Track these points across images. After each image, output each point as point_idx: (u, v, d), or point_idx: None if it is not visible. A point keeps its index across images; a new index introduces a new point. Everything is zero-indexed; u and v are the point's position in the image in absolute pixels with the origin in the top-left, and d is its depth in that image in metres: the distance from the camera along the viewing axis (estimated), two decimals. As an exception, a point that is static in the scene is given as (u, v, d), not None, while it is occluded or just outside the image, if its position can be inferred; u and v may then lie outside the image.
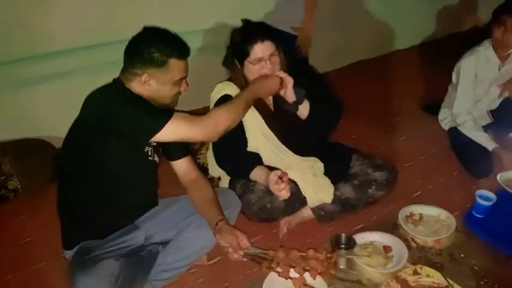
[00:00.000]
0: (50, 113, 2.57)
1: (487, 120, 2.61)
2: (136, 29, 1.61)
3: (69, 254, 1.68)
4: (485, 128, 2.51)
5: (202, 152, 2.51)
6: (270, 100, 2.03)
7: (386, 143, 2.64)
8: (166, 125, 1.51)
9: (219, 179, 2.18)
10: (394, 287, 1.59)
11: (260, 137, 2.00)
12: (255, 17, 2.32)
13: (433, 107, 2.91)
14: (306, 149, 2.03)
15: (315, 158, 2.04)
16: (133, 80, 1.57)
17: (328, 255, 1.58)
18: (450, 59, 2.62)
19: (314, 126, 1.96)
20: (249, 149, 2.01)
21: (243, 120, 1.88)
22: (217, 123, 1.62)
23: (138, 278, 1.66)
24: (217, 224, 1.61)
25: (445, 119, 2.76)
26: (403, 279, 1.61)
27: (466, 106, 2.48)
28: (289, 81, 1.87)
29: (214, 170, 2.12)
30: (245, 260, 1.56)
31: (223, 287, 1.65)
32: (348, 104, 2.22)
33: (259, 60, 1.85)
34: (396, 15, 4.04)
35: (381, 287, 1.60)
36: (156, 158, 1.73)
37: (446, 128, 2.73)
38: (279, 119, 1.99)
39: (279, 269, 1.51)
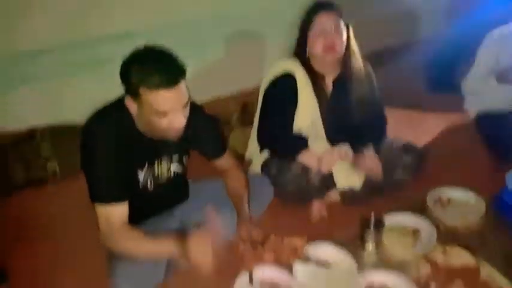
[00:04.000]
0: (87, 100, 2.65)
1: None
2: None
3: None
4: None
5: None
6: (329, 87, 2.05)
7: (412, 130, 2.62)
8: (100, 206, 1.47)
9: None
10: (424, 266, 1.63)
11: (308, 121, 2.03)
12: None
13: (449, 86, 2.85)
14: (343, 140, 2.05)
15: (347, 146, 2.06)
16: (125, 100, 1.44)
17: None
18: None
19: None
20: None
21: (299, 99, 1.98)
22: (123, 250, 1.47)
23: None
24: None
25: (472, 105, 2.73)
26: (432, 260, 1.65)
27: (481, 76, 2.47)
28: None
29: (251, 152, 2.19)
30: None
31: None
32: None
33: (322, 31, 1.90)
34: None
35: (410, 267, 1.65)
36: (178, 169, 1.69)
37: (473, 114, 2.72)
38: (332, 108, 2.03)
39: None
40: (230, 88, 2.95)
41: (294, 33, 2.31)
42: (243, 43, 3.13)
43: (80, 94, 2.65)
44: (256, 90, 3.08)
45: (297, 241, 1.58)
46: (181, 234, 1.47)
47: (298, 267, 1.62)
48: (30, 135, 2.50)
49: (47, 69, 2.53)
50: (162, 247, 1.47)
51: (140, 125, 1.49)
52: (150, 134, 1.50)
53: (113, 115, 1.49)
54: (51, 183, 2.42)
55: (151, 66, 1.33)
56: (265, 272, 1.60)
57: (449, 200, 1.93)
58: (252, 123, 2.63)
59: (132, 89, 1.36)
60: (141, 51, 1.39)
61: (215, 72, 2.95)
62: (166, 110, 1.36)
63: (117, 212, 1.46)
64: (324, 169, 1.92)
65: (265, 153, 2.10)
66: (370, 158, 1.95)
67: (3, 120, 2.46)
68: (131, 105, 1.42)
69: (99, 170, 1.45)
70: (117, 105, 1.50)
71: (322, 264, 1.66)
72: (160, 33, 2.63)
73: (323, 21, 1.91)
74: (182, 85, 1.37)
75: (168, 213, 1.77)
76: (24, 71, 2.48)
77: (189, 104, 1.44)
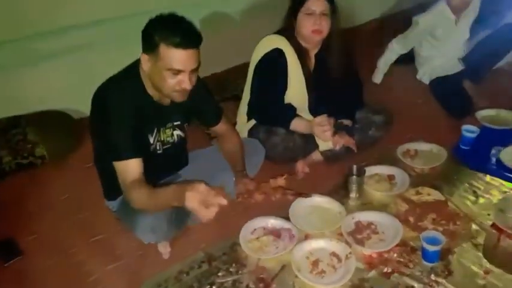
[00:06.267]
0: (68, 87, 2.73)
1: (459, 67, 2.97)
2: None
3: (113, 204, 1.86)
4: (461, 76, 2.88)
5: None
6: (312, 61, 2.22)
7: (377, 98, 2.87)
8: (118, 163, 1.58)
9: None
10: (401, 205, 1.89)
11: (298, 94, 2.20)
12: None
13: (401, 60, 3.17)
14: (324, 112, 2.20)
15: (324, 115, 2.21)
16: (141, 57, 1.58)
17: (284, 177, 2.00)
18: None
19: None
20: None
21: (289, 73, 2.14)
22: (136, 203, 1.59)
23: (186, 214, 1.81)
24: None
25: (424, 75, 3.09)
26: (408, 199, 1.91)
27: (404, 47, 3.00)
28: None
29: (239, 125, 2.36)
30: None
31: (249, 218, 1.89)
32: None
33: (311, 13, 2.04)
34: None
35: (389, 206, 1.90)
36: (177, 137, 1.82)
37: (427, 82, 3.07)
38: (315, 81, 2.20)
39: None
40: (207, 70, 3.10)
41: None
42: (217, 27, 3.28)
43: (53, 81, 2.70)
44: (231, 71, 3.30)
45: (279, 180, 1.95)
46: (182, 184, 1.52)
47: (295, 209, 1.85)
48: (15, 122, 2.54)
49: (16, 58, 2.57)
50: (167, 196, 1.53)
51: (150, 88, 1.62)
52: (158, 96, 1.64)
53: (126, 81, 1.62)
54: (41, 166, 2.48)
55: (176, 27, 1.50)
56: (267, 221, 1.82)
57: (416, 152, 2.21)
58: (229, 99, 2.84)
59: (152, 45, 1.50)
60: (166, 15, 1.53)
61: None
62: (179, 69, 1.51)
63: (132, 167, 1.59)
64: (323, 137, 2.11)
65: (252, 121, 2.28)
66: (344, 136, 2.15)
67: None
68: (145, 63, 1.56)
69: (115, 130, 1.57)
70: (129, 73, 1.64)
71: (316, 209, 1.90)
72: (131, 19, 2.61)
73: (314, 5, 2.04)
74: (196, 51, 1.54)
75: (175, 175, 1.93)
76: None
77: (197, 72, 1.60)
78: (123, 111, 1.57)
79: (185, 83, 1.55)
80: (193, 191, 1.40)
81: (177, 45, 1.48)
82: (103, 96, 1.60)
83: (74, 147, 2.58)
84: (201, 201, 1.40)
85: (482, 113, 2.49)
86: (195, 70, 1.57)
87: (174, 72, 1.52)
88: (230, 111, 2.64)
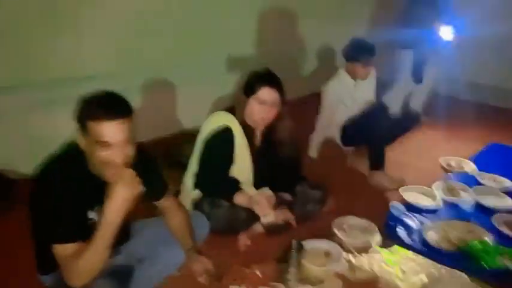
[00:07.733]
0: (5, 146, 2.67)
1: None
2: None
3: (46, 279, 1.76)
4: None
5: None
6: (258, 138, 2.35)
7: (314, 171, 2.93)
8: (56, 245, 1.55)
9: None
10: (337, 282, 2.00)
11: (244, 169, 2.31)
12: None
13: None
14: (266, 184, 2.35)
15: (267, 188, 2.36)
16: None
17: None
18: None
19: None
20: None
21: (235, 149, 2.24)
22: (80, 274, 1.54)
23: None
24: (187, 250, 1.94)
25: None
26: (342, 275, 2.03)
27: (324, 124, 3.23)
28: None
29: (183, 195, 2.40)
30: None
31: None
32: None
33: (263, 102, 2.19)
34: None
35: (325, 282, 2.00)
36: None
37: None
38: (260, 157, 2.34)
39: None
40: (151, 134, 3.15)
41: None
42: (159, 92, 3.36)
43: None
44: (177, 136, 3.35)
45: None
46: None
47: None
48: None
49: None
50: (98, 233, 1.52)
51: (90, 164, 1.60)
52: (97, 172, 1.60)
53: (67, 161, 1.61)
54: None
55: (98, 101, 1.52)
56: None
57: (349, 226, 2.36)
58: (173, 165, 2.87)
59: (81, 123, 1.51)
60: (94, 93, 1.54)
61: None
62: (107, 141, 1.49)
63: (71, 249, 1.55)
64: (260, 213, 2.22)
65: (196, 192, 2.34)
66: (284, 212, 2.30)
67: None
68: (81, 141, 1.55)
69: (54, 213, 1.54)
70: (72, 150, 1.61)
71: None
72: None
73: (266, 94, 2.18)
74: (125, 122, 1.52)
75: (115, 251, 1.88)
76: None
77: (131, 144, 1.56)
78: (62, 194, 1.54)
79: (116, 155, 1.52)
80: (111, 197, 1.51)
81: (100, 118, 1.48)
82: (43, 175, 1.58)
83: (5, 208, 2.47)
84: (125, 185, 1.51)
85: (406, 189, 2.77)
86: (125, 141, 1.53)
87: (103, 144, 1.50)
88: (173, 178, 2.68)
